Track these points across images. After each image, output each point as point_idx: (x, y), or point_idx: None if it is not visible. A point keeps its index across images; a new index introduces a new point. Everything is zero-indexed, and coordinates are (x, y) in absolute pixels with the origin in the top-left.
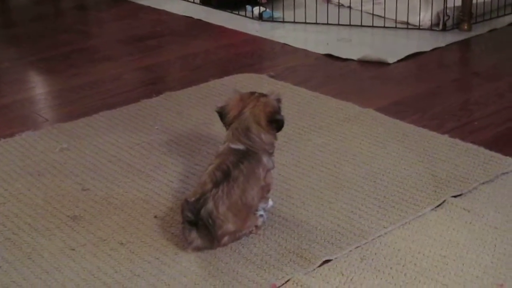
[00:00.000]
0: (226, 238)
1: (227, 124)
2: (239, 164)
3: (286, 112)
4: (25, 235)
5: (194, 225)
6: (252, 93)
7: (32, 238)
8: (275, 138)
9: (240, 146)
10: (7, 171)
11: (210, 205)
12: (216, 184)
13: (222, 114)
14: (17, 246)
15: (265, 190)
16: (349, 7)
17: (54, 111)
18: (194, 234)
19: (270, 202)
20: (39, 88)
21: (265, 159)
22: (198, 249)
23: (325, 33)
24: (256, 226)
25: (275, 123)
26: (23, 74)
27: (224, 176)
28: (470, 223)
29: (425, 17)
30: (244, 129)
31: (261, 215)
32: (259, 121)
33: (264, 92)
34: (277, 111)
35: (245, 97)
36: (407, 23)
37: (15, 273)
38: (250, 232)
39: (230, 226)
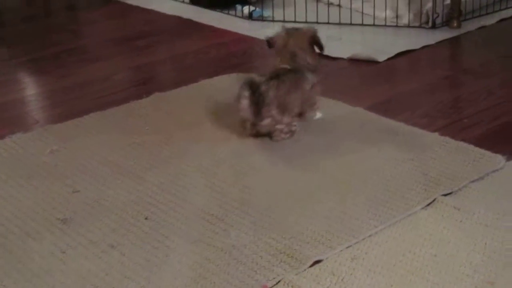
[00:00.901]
0: (268, 120)
1: (276, 53)
2: (287, 74)
3: None
4: (15, 238)
5: (247, 98)
6: (295, 28)
7: (23, 241)
8: (317, 59)
9: (288, 66)
10: None
11: (264, 87)
12: (270, 78)
13: (270, 43)
14: (8, 249)
15: (309, 102)
16: (339, 5)
17: (45, 112)
18: (245, 104)
19: (319, 114)
20: (29, 89)
21: (309, 75)
22: (244, 118)
23: None
24: (291, 131)
25: (316, 44)
26: (13, 75)
27: (275, 76)
28: (461, 221)
29: (404, 15)
30: (291, 54)
31: (295, 125)
32: (302, 46)
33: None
34: (316, 35)
35: (290, 31)
36: (396, 21)
37: (6, 277)
38: (285, 133)
39: (273, 111)
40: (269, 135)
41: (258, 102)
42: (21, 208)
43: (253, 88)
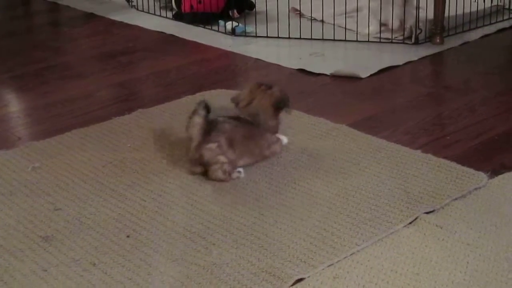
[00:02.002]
0: (214, 145)
1: (239, 110)
2: (247, 123)
3: None
4: None
5: (201, 117)
6: (260, 85)
7: (4, 259)
8: (280, 122)
9: (248, 118)
10: None
11: (221, 118)
12: (229, 117)
13: (236, 102)
14: None
15: (263, 157)
16: (322, 21)
17: (27, 129)
18: (198, 121)
19: (285, 140)
20: (11, 106)
21: (268, 135)
22: (190, 136)
23: (298, 48)
24: (230, 174)
25: (280, 109)
26: None
27: (236, 118)
28: (443, 239)
29: (374, 30)
30: (253, 114)
31: (239, 171)
32: (265, 108)
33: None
34: (281, 100)
35: (254, 89)
36: (380, 36)
37: None
38: (223, 171)
39: (222, 139)
40: (206, 167)
41: (210, 126)
42: (2, 226)
43: (209, 111)
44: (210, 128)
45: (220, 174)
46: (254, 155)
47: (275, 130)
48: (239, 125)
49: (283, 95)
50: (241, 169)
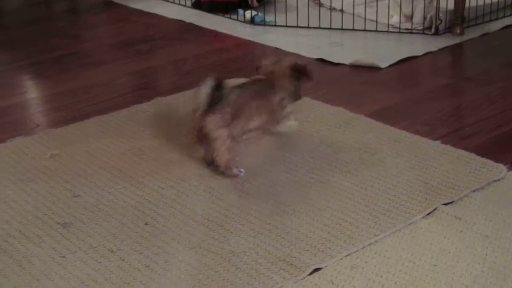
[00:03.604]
0: (217, 117)
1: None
2: (256, 83)
3: None
4: (15, 242)
5: (208, 87)
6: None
7: (23, 245)
8: (294, 87)
9: (262, 77)
10: None
11: (227, 89)
12: (236, 86)
13: (257, 67)
14: (8, 253)
15: (274, 115)
16: (341, 10)
17: (45, 116)
18: (204, 92)
19: (295, 125)
20: (30, 93)
21: (282, 93)
22: (196, 107)
23: (317, 37)
24: (224, 160)
25: (297, 72)
26: (15, 79)
27: (242, 85)
28: (461, 231)
29: (395, 20)
30: (269, 72)
31: (240, 171)
32: (284, 72)
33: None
34: (298, 65)
35: (276, 59)
36: (399, 27)
37: (5, 281)
38: (226, 148)
39: (227, 110)
40: (208, 142)
41: (216, 98)
42: (21, 212)
43: (218, 85)
44: (215, 100)
45: (223, 154)
46: (263, 113)
47: (294, 95)
48: (244, 91)
49: (302, 63)
50: (242, 169)
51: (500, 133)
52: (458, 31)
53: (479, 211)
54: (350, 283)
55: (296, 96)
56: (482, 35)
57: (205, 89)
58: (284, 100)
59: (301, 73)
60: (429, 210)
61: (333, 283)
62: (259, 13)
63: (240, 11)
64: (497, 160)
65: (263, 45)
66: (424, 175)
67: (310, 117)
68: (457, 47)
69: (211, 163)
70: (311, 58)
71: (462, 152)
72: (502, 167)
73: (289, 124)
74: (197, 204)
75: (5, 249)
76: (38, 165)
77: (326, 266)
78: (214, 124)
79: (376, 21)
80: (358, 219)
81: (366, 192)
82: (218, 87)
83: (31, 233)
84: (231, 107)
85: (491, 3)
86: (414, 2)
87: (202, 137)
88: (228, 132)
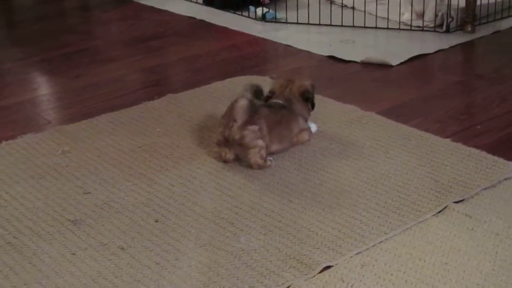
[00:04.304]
0: (256, 128)
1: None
2: (281, 108)
3: None
4: (26, 239)
5: (247, 99)
6: (290, 80)
7: (33, 242)
8: (309, 114)
9: (281, 102)
10: (9, 173)
11: (258, 104)
12: (265, 105)
13: (270, 97)
14: (18, 250)
15: (293, 143)
16: (353, 7)
17: (56, 113)
18: (244, 104)
19: (314, 128)
20: (41, 89)
21: (301, 120)
22: (234, 117)
23: (328, 34)
24: (265, 159)
25: (307, 99)
26: (26, 75)
27: (269, 105)
28: (472, 229)
29: (407, 18)
30: (287, 99)
31: (271, 160)
32: (296, 97)
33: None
34: (309, 91)
35: (285, 82)
36: (411, 25)
37: (16, 278)
38: (260, 157)
39: (264, 124)
40: (245, 151)
41: (253, 109)
42: (31, 209)
43: (258, 97)
44: (253, 111)
45: (258, 159)
46: (284, 141)
47: (305, 116)
48: (272, 111)
49: (311, 86)
50: (271, 158)
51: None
52: (469, 28)
53: (490, 209)
54: (360, 281)
55: (307, 117)
56: (493, 32)
57: (243, 101)
58: (301, 130)
59: (308, 100)
60: (439, 208)
61: (343, 281)
62: (270, 10)
63: (252, 8)
64: (508, 158)
65: (274, 42)
66: (435, 173)
67: (321, 115)
68: (468, 45)
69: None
70: (322, 56)
71: (473, 150)
72: None
73: (312, 126)
74: (208, 202)
75: (16, 246)
76: (49, 161)
77: (336, 264)
78: (254, 134)
79: (388, 19)
80: (369, 217)
81: (377, 190)
82: (257, 97)
83: (42, 230)
84: (265, 121)
85: (503, 1)
86: (425, 0)
87: (232, 146)
88: (264, 143)
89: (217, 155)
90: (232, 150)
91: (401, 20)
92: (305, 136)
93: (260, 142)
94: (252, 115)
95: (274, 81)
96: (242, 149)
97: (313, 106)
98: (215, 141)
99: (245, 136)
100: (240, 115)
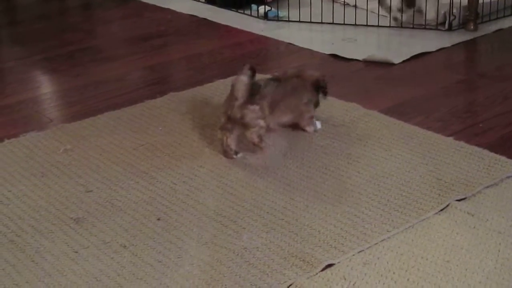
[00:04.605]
0: (256, 107)
1: None
2: (290, 79)
3: None
4: (28, 237)
5: (245, 78)
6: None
7: (35, 240)
8: (318, 99)
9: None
10: (11, 172)
11: (264, 82)
12: (271, 79)
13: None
14: (20, 248)
15: (303, 114)
16: (355, 6)
17: (58, 111)
18: (242, 83)
19: (318, 125)
20: (43, 88)
21: (309, 95)
22: (235, 96)
23: (330, 33)
24: (262, 139)
25: (319, 88)
26: (28, 74)
27: (277, 79)
28: (474, 227)
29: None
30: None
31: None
32: (306, 84)
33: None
34: (320, 80)
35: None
36: (412, 22)
37: (18, 276)
38: (258, 136)
39: (265, 102)
40: (245, 128)
41: (254, 88)
42: (34, 207)
43: (253, 75)
44: (254, 90)
45: (255, 137)
46: (295, 110)
47: (315, 103)
48: (279, 86)
49: (323, 77)
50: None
51: None
52: (472, 27)
53: (492, 207)
54: (362, 279)
55: (316, 103)
56: (496, 31)
57: (244, 78)
58: (310, 102)
59: (321, 89)
60: (442, 206)
61: (345, 279)
62: (273, 9)
63: (254, 6)
64: (510, 157)
65: (276, 41)
66: (437, 171)
67: (324, 113)
68: (471, 43)
69: (236, 153)
70: (324, 54)
71: (476, 148)
72: None
73: (316, 123)
74: (210, 200)
75: (18, 244)
76: (51, 160)
77: (338, 262)
78: (255, 114)
79: (390, 17)
80: (371, 215)
81: (379, 188)
82: (253, 75)
83: (44, 228)
84: (268, 100)
85: None
86: None
87: (235, 125)
88: (265, 123)
89: (220, 143)
90: (234, 132)
91: (402, 20)
92: (311, 110)
93: (261, 122)
94: (253, 95)
95: (281, 72)
96: (243, 127)
97: (325, 94)
98: (218, 126)
99: (246, 115)
100: (241, 92)
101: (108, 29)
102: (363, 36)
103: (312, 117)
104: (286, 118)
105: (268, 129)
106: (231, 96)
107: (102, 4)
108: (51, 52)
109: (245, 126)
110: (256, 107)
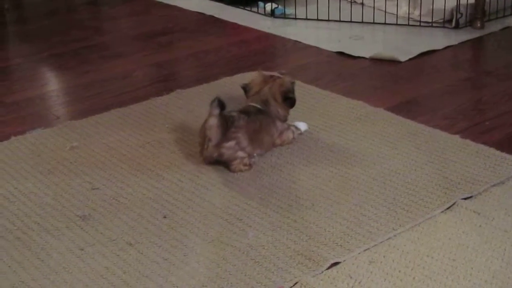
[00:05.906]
0: (233, 143)
1: (248, 98)
2: (258, 114)
3: (296, 111)
4: (34, 235)
5: (216, 116)
6: (272, 76)
7: (41, 238)
8: (288, 113)
9: (258, 105)
10: (18, 169)
11: (235, 114)
12: (240, 112)
13: (245, 89)
14: (27, 245)
15: (276, 145)
16: (362, 3)
17: (65, 109)
18: (214, 122)
19: (303, 127)
20: (50, 85)
21: (278, 123)
22: (208, 136)
23: (337, 30)
24: (250, 164)
25: (288, 100)
26: (35, 71)
27: (245, 112)
28: (480, 226)
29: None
30: (264, 100)
31: (254, 157)
32: (275, 97)
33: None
34: (291, 90)
35: (266, 78)
36: (420, 21)
37: (24, 273)
38: (244, 164)
39: (240, 135)
40: (227, 163)
41: (226, 124)
42: (40, 204)
43: (223, 109)
44: (226, 125)
45: (242, 167)
46: (266, 145)
47: (284, 119)
48: (251, 119)
49: (292, 85)
50: (254, 154)
51: None
52: (479, 24)
53: (498, 206)
54: (368, 277)
55: (285, 118)
56: (503, 28)
57: (212, 120)
58: (281, 133)
59: (289, 100)
60: (448, 205)
61: (351, 278)
62: (280, 6)
63: (261, 3)
64: None
65: (283, 38)
66: (444, 170)
67: (330, 111)
68: (478, 41)
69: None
70: (331, 51)
71: (482, 146)
72: None
73: (300, 125)
74: (216, 198)
75: (24, 241)
76: (58, 157)
77: (344, 261)
78: (232, 150)
79: (397, 15)
80: (377, 213)
81: (385, 186)
82: (223, 108)
83: (50, 226)
84: (243, 131)
85: None
86: None
87: (215, 160)
88: (246, 153)
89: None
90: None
91: (409, 16)
92: (289, 135)
93: (241, 154)
94: (227, 131)
95: (256, 74)
96: (224, 163)
97: (292, 105)
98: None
99: (223, 154)
100: (214, 134)
101: (115, 26)
102: (370, 33)
103: (287, 130)
104: (264, 149)
105: (250, 155)
106: (204, 137)
107: (109, 1)
108: (58, 49)
109: (226, 162)
110: (232, 143)
